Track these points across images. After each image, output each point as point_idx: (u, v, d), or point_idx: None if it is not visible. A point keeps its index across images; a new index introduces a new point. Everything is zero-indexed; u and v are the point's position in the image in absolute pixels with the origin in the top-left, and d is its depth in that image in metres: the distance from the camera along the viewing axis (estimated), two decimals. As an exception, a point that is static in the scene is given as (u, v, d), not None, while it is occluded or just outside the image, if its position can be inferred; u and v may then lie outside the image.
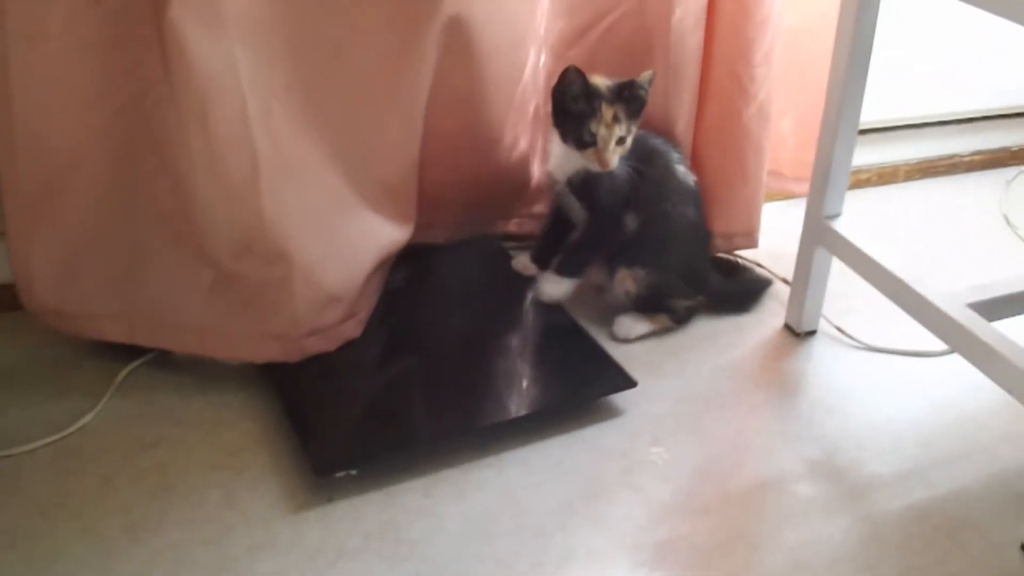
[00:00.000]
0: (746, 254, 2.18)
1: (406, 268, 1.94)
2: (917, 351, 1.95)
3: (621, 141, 1.76)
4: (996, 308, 1.70)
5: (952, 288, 1.69)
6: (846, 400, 1.83)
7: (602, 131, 1.74)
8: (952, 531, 1.55)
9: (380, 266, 1.77)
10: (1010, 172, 2.73)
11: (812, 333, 2.00)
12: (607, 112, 1.73)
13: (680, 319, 1.95)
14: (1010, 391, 1.51)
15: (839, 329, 2.02)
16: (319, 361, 1.72)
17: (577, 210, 1.87)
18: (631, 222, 1.86)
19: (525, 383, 1.76)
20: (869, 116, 2.16)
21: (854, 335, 2.00)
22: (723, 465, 1.66)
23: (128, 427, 1.65)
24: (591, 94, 1.74)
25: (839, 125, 1.75)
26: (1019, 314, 1.74)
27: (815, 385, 1.87)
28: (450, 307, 1.96)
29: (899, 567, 1.48)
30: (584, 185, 1.82)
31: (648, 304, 1.91)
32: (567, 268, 1.89)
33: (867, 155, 2.56)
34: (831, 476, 1.65)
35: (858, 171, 2.56)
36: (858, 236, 1.81)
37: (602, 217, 1.85)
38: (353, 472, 1.54)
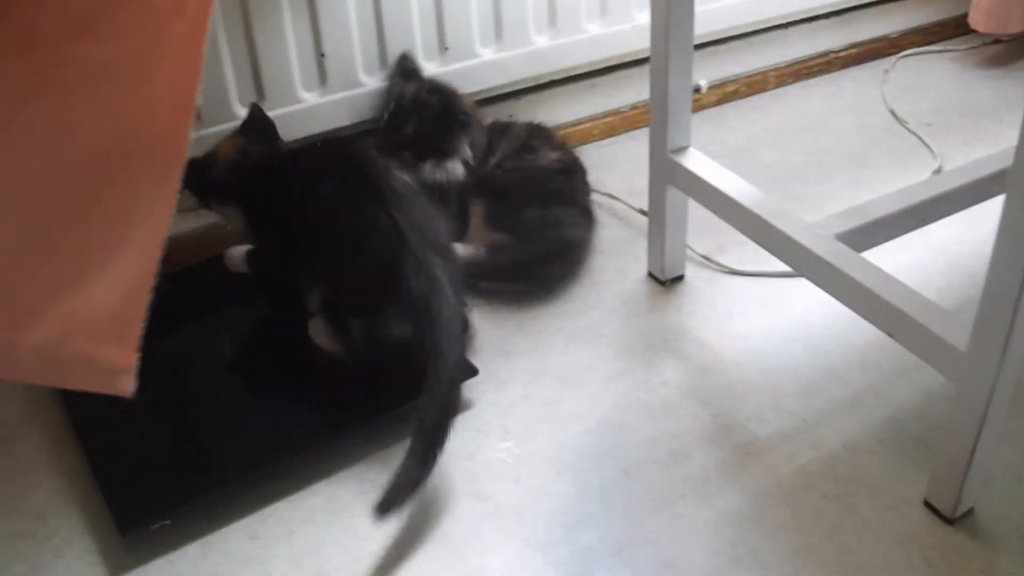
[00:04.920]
0: (601, 193, 2.02)
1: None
2: (791, 286, 1.79)
3: None
4: (870, 234, 1.51)
5: (820, 217, 1.54)
6: (720, 353, 1.65)
7: None
8: (843, 497, 1.39)
9: None
10: (888, 63, 2.57)
11: (679, 279, 1.81)
12: None
13: None
14: (890, 334, 1.32)
15: (710, 267, 1.85)
16: (121, 402, 1.51)
17: None
18: None
19: (351, 391, 1.58)
20: (726, 23, 1.97)
21: (725, 272, 1.84)
22: (580, 455, 1.49)
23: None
24: None
25: (668, 45, 1.53)
26: (898, 236, 1.54)
27: (685, 340, 1.69)
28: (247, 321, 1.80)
29: (785, 549, 1.33)
30: None
31: None
32: None
33: (732, 65, 2.40)
34: (705, 450, 1.48)
35: (724, 83, 2.39)
36: (710, 168, 1.62)
37: None
38: (167, 522, 1.39)
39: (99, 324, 1.23)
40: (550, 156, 1.86)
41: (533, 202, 1.79)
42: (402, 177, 1.57)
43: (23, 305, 1.20)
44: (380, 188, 1.52)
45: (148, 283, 1.24)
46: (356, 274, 1.53)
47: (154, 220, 1.23)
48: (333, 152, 1.65)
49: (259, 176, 1.68)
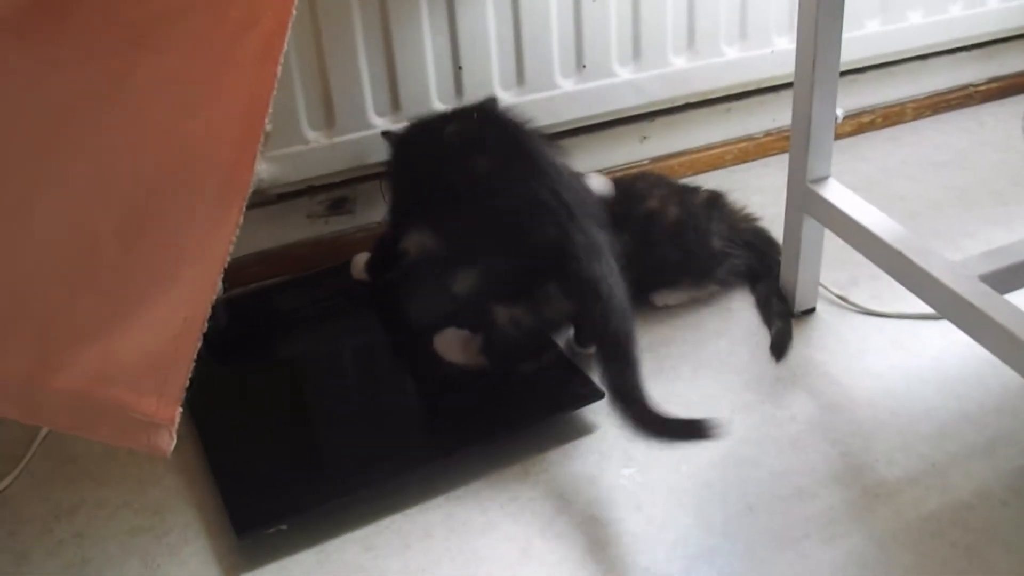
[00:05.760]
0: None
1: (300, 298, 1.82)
2: (925, 325, 1.74)
3: None
4: (1015, 276, 1.46)
5: (963, 255, 1.49)
6: (850, 391, 1.61)
7: None
8: (973, 548, 1.34)
9: None
10: (1030, 98, 2.47)
11: (810, 312, 1.77)
12: None
13: None
14: (1033, 381, 1.27)
15: (842, 304, 1.80)
16: (243, 405, 1.61)
17: None
18: None
19: (473, 407, 1.58)
20: (865, 52, 1.93)
21: (858, 312, 1.78)
22: (703, 486, 1.46)
23: (48, 492, 1.51)
24: None
25: (815, 72, 1.50)
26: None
27: (815, 375, 1.65)
28: (369, 326, 1.81)
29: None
30: None
31: None
32: None
33: (869, 95, 2.35)
34: (832, 489, 1.44)
35: (860, 113, 2.35)
36: (850, 200, 1.58)
37: None
38: (283, 527, 1.38)
39: (137, 370, 1.12)
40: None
41: None
42: (553, 150, 1.54)
43: (55, 343, 1.09)
44: (540, 163, 1.49)
45: (197, 328, 1.13)
46: (521, 254, 1.49)
47: (208, 258, 1.13)
48: (485, 123, 1.61)
49: (405, 148, 1.68)
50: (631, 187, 1.79)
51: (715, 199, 1.81)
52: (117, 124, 1.12)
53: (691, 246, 1.74)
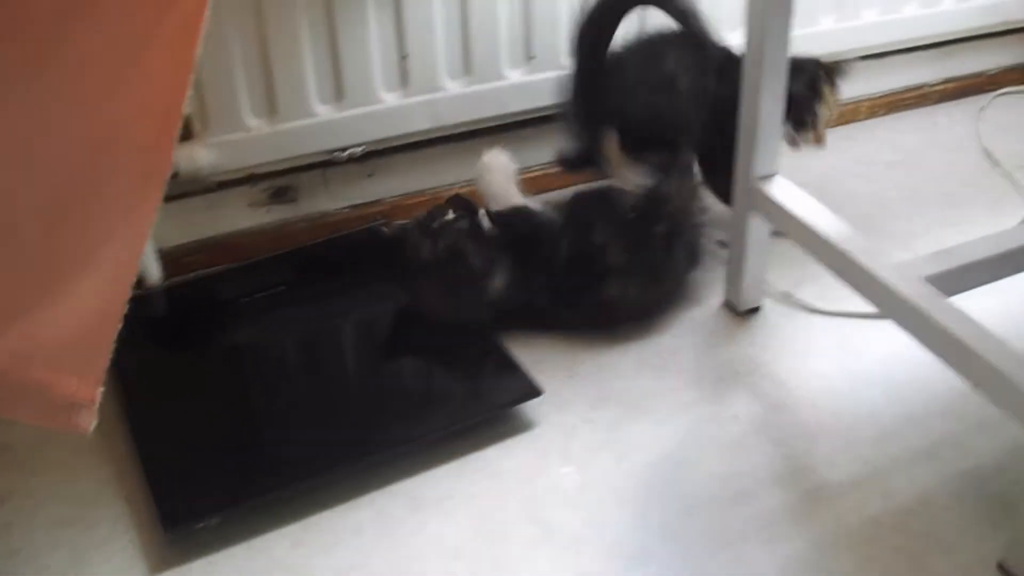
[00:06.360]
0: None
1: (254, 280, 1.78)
2: (872, 326, 1.73)
3: None
4: (961, 278, 1.44)
5: (913, 256, 1.49)
6: (794, 392, 1.59)
7: None
8: (914, 553, 1.32)
9: None
10: (984, 99, 2.49)
11: (755, 311, 1.74)
12: None
13: None
14: (976, 385, 1.26)
15: (788, 303, 1.79)
16: (178, 396, 1.57)
17: None
18: None
19: (411, 403, 1.56)
20: (818, 49, 1.92)
21: (804, 311, 1.77)
22: (643, 486, 1.43)
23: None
24: None
25: (762, 69, 1.47)
26: (990, 282, 1.47)
27: (758, 375, 1.63)
28: (310, 318, 1.76)
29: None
30: None
31: None
32: None
33: None
34: (772, 491, 1.42)
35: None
36: (797, 198, 1.56)
37: None
38: (212, 522, 1.35)
39: (58, 350, 1.12)
40: None
41: None
42: None
43: None
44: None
45: (118, 309, 1.14)
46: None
47: (128, 240, 1.13)
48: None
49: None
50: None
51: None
52: (39, 103, 1.09)
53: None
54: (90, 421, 1.12)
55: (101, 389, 1.08)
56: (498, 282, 1.63)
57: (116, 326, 1.13)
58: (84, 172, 1.10)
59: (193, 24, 1.08)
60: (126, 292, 1.13)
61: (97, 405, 1.09)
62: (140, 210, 1.11)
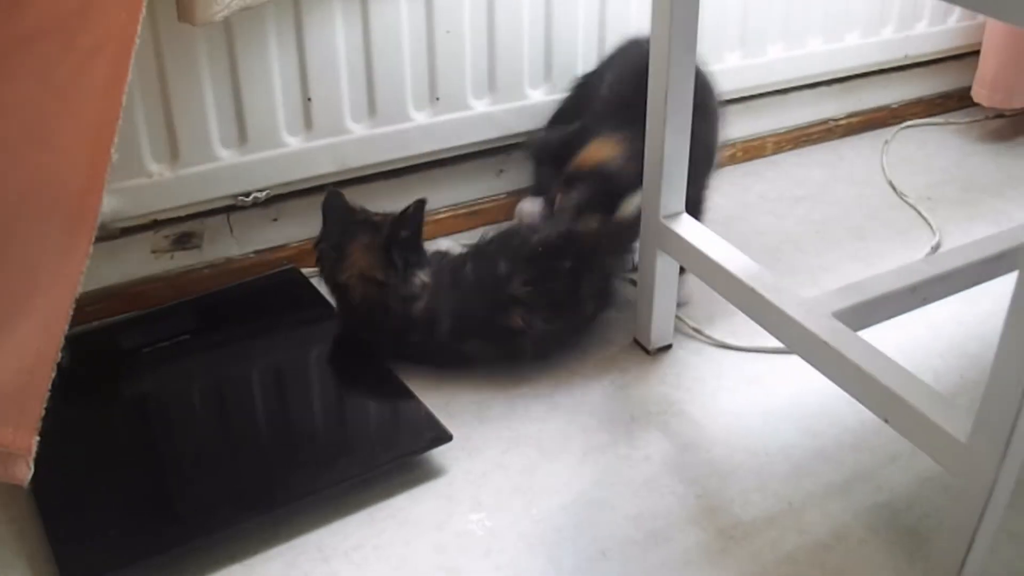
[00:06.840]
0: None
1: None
2: (783, 362, 1.73)
3: None
4: (869, 312, 1.44)
5: (821, 290, 1.49)
6: (707, 430, 1.58)
7: None
8: (830, 591, 1.28)
9: None
10: (889, 132, 2.53)
11: (666, 348, 1.72)
12: None
13: None
14: (887, 420, 1.25)
15: (699, 339, 1.79)
16: (80, 449, 1.52)
17: None
18: None
19: (318, 451, 1.52)
20: (725, 86, 1.93)
21: (715, 347, 1.77)
22: (554, 531, 1.41)
23: None
24: None
25: (668, 109, 1.47)
26: (897, 315, 1.47)
27: (670, 413, 1.62)
28: (216, 366, 1.73)
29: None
30: None
31: None
32: None
33: (730, 129, 2.27)
34: (687, 531, 1.41)
35: (720, 147, 2.27)
36: (703, 236, 1.56)
37: None
38: None
39: None
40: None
41: None
42: None
43: None
44: None
45: (50, 358, 1.13)
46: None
47: (59, 287, 1.12)
48: None
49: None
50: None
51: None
52: None
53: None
54: (26, 472, 1.13)
55: (37, 439, 1.08)
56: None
57: (50, 374, 1.13)
58: (14, 220, 1.09)
59: (120, 70, 1.08)
60: (60, 338, 1.13)
61: (33, 454, 1.10)
62: (71, 256, 1.10)
